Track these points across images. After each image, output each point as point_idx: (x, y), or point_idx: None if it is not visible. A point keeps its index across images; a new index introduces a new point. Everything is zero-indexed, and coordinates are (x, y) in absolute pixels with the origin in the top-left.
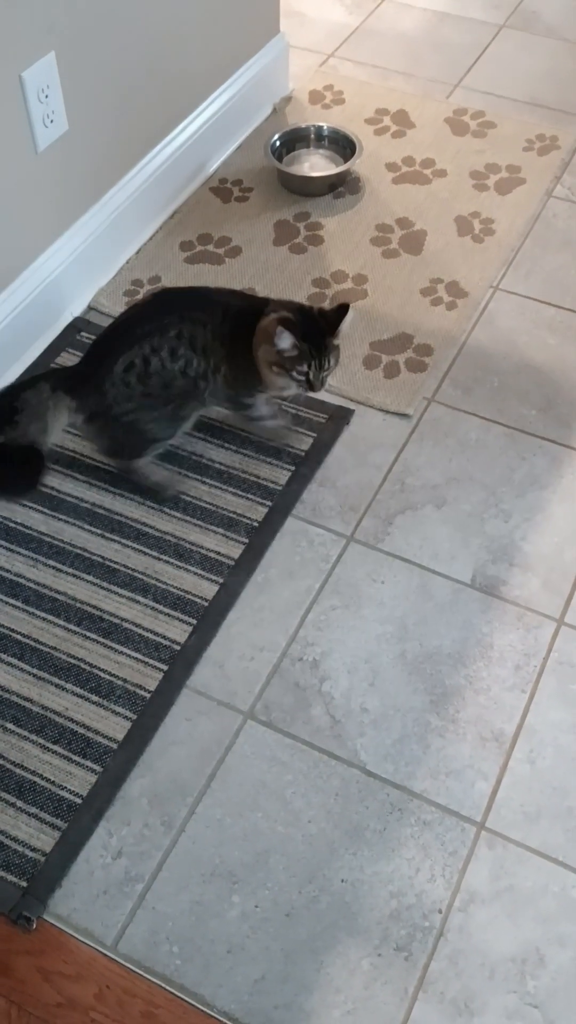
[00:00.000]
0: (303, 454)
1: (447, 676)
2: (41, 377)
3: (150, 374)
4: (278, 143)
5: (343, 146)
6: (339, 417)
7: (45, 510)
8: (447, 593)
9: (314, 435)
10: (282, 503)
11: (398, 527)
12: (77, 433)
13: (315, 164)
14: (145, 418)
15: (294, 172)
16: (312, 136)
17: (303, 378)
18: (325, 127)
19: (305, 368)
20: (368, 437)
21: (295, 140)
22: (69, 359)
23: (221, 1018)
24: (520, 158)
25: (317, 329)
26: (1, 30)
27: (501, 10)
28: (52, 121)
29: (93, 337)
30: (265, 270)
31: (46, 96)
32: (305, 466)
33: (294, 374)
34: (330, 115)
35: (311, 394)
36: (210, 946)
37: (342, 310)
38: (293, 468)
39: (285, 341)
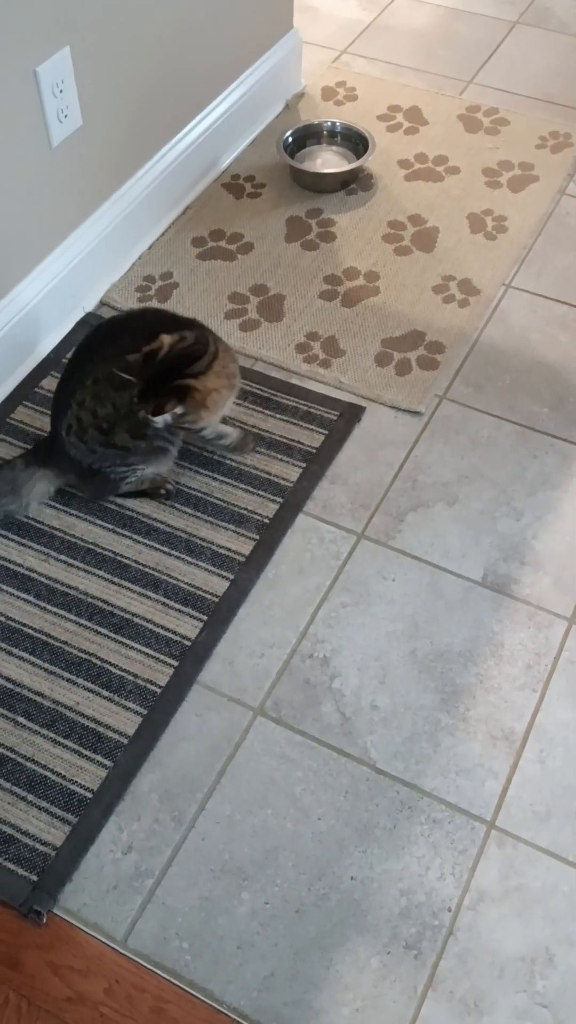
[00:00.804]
0: (314, 451)
1: (457, 674)
2: (20, 456)
3: (85, 428)
4: (290, 139)
5: (356, 143)
6: (350, 414)
7: (57, 505)
8: (458, 591)
9: (325, 432)
10: (293, 500)
11: (409, 524)
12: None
13: (327, 160)
14: (107, 464)
15: (306, 168)
16: (324, 132)
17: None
18: (338, 123)
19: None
20: (379, 434)
21: (307, 136)
22: None
23: (230, 1014)
24: (533, 155)
25: (149, 391)
26: (16, 24)
27: (515, 6)
28: (66, 116)
29: None
30: (277, 266)
31: (60, 91)
32: (316, 463)
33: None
34: (342, 111)
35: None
36: (219, 942)
37: (171, 393)
38: (304, 465)
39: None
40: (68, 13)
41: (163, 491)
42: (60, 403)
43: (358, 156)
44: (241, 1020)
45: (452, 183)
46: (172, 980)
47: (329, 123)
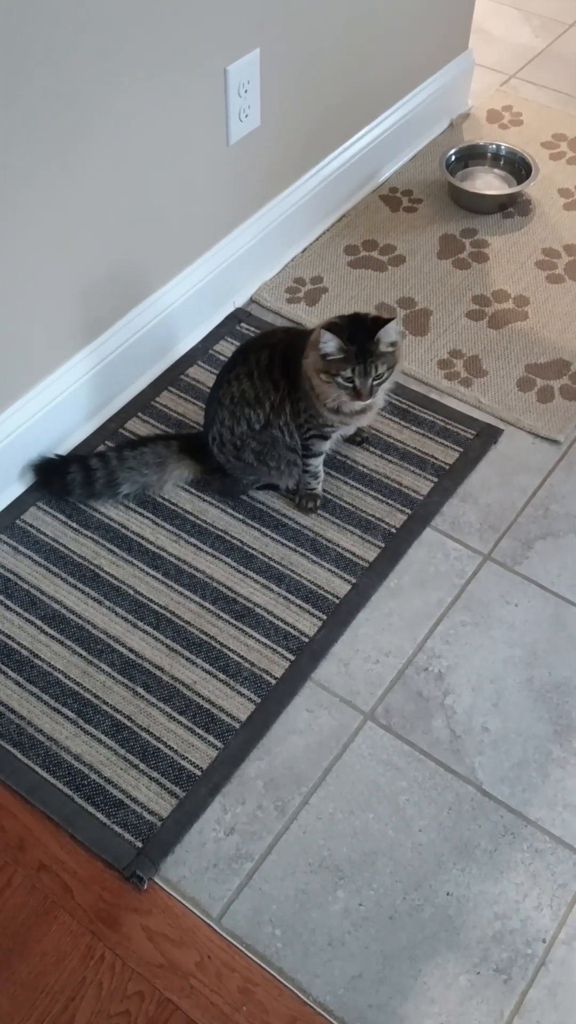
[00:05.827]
0: (447, 467)
1: (573, 708)
2: (175, 436)
3: (224, 443)
4: (453, 158)
5: (518, 167)
6: (488, 435)
7: (191, 489)
8: None
9: (460, 449)
10: (422, 512)
11: (537, 552)
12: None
13: (488, 182)
14: (238, 472)
15: (466, 188)
16: (488, 155)
17: (349, 385)
18: (503, 147)
19: (349, 372)
20: (515, 458)
21: (470, 156)
22: (226, 348)
23: (315, 1007)
24: None
25: (366, 334)
26: (216, 20)
27: None
28: (247, 116)
29: (252, 329)
30: (426, 281)
31: (245, 91)
32: (448, 479)
33: (339, 379)
34: (506, 135)
35: (359, 405)
36: (311, 935)
37: (383, 320)
38: (436, 480)
39: (329, 344)
40: (263, 16)
41: (311, 504)
42: (208, 414)
43: (519, 181)
44: (325, 1015)
45: None
46: (261, 964)
47: (494, 146)
